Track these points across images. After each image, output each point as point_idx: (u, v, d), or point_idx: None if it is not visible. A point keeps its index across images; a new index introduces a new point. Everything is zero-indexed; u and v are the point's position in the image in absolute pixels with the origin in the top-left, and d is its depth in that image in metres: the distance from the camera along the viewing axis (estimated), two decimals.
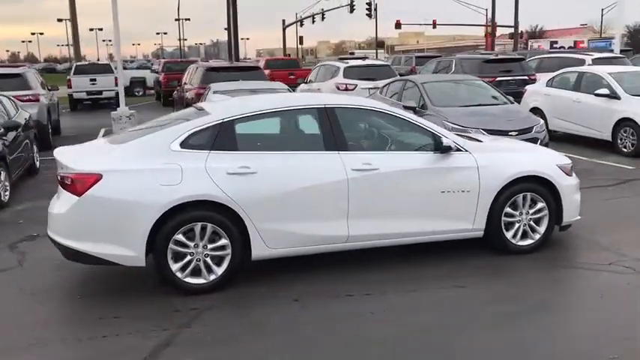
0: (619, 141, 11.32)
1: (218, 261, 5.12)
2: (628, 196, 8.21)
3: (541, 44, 49.81)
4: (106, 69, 24.78)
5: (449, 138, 5.68)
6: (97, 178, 4.88)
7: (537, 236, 5.93)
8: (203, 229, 5.02)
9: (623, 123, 11.20)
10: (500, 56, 17.92)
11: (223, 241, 5.08)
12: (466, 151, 5.71)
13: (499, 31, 65.71)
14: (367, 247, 5.54)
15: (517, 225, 5.86)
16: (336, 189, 5.30)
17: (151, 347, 4.20)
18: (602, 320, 4.56)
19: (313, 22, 57.51)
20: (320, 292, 5.09)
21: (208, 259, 5.08)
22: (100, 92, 23.92)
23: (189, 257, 5.04)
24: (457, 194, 5.62)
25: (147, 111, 16.71)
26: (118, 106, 15.81)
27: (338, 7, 50.05)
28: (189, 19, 71.87)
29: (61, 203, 5.04)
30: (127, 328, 4.50)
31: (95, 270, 5.65)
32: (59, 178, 5.12)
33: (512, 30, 52.53)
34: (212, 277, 5.10)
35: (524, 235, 5.90)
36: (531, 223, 5.90)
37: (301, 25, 61.41)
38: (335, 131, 5.45)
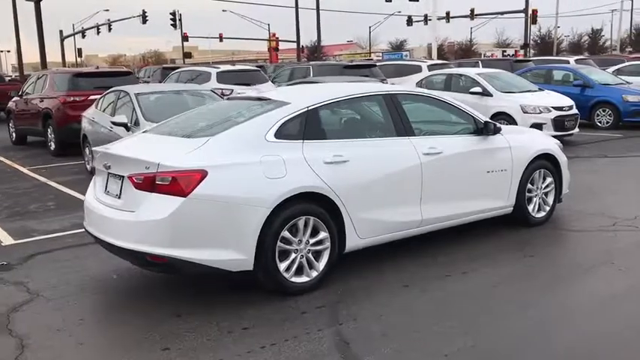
0: None
1: (316, 257, 4.84)
2: None
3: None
4: None
5: (493, 121, 6.07)
6: (203, 174, 4.30)
7: (547, 208, 6.59)
8: (306, 223, 4.71)
9: (498, 116, 12.70)
10: (355, 62, 18.95)
11: (322, 235, 4.81)
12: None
13: (282, 45, 68.68)
14: (434, 229, 5.64)
15: (534, 200, 6.45)
16: (413, 174, 5.34)
17: (333, 348, 3.85)
18: None
19: (98, 33, 54.06)
20: (420, 277, 5.06)
21: (310, 255, 4.78)
22: None
23: (293, 255, 4.68)
24: (498, 173, 6.02)
25: None
26: None
27: (130, 18, 47.86)
28: None
29: (152, 207, 4.29)
30: (275, 336, 4.02)
31: (143, 280, 4.94)
32: (138, 180, 4.37)
33: (294, 44, 55.57)
34: (314, 273, 4.79)
35: (539, 209, 6.52)
36: (543, 197, 6.55)
37: (83, 36, 57.20)
38: (402, 117, 5.48)
